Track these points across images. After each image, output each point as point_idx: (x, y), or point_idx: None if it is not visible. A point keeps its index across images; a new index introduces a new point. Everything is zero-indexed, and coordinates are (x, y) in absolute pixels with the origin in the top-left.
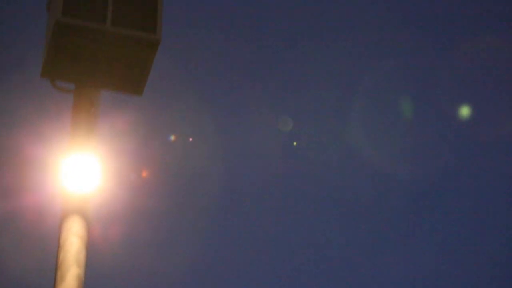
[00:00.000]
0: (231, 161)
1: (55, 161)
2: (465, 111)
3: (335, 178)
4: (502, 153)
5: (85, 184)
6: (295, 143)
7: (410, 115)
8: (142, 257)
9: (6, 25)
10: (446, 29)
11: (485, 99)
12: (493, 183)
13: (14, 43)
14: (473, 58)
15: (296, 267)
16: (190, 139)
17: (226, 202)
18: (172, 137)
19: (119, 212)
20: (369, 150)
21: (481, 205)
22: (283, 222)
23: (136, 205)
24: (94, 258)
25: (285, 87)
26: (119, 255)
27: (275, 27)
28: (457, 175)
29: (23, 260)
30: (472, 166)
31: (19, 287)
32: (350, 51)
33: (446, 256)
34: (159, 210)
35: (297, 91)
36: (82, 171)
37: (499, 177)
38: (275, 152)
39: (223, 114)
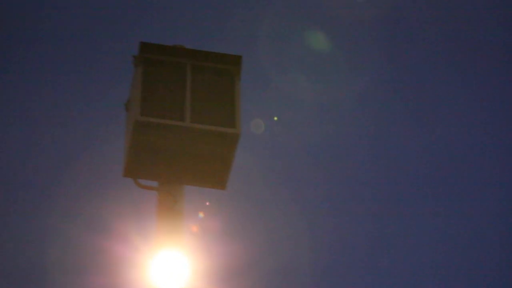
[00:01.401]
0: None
1: (143, 260)
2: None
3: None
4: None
5: (174, 281)
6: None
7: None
8: None
9: (85, 125)
10: None
11: None
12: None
13: (94, 144)
14: None
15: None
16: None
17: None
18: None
19: None
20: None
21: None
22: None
23: None
24: None
25: None
26: None
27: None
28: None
29: None
30: None
31: None
32: None
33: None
34: None
35: None
36: (170, 269)
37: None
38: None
39: None
